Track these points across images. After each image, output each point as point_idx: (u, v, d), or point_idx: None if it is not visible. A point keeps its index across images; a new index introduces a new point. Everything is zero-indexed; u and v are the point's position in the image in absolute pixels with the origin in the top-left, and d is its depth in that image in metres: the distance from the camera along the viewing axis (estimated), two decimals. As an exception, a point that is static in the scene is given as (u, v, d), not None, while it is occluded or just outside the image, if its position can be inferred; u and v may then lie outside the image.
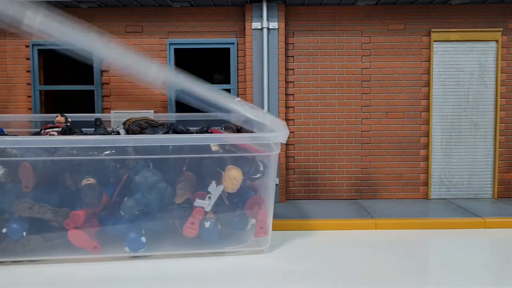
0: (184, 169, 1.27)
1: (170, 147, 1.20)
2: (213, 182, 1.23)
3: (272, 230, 1.49)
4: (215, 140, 1.21)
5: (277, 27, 1.76)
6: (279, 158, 1.79)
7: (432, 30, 1.80)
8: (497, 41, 1.81)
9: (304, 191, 1.85)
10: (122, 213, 1.21)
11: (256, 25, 1.76)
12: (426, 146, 1.84)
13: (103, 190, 1.21)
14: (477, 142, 1.84)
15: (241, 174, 1.24)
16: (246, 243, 1.28)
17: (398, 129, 1.84)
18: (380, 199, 1.85)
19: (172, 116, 1.78)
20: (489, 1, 1.78)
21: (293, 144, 1.84)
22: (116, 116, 1.78)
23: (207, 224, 1.23)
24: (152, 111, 1.81)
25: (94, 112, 1.83)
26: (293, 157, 1.84)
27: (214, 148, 1.23)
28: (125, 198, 1.21)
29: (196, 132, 1.51)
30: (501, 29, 1.80)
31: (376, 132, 1.84)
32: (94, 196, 1.19)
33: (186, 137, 1.24)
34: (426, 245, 1.38)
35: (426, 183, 1.85)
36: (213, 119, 1.67)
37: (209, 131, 1.46)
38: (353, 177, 1.85)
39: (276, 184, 1.79)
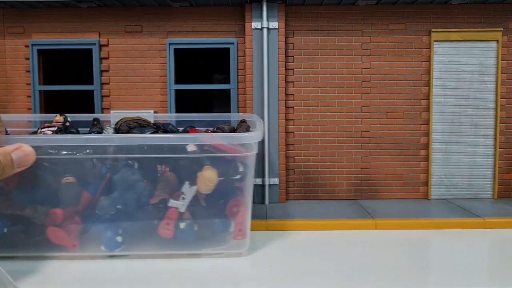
0: (166, 169, 1.25)
1: (145, 147, 1.19)
2: (186, 182, 1.21)
3: (273, 230, 1.49)
4: (190, 140, 1.19)
5: (277, 27, 1.76)
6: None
7: (433, 30, 1.80)
8: (497, 41, 1.80)
9: (304, 191, 1.85)
10: (98, 212, 1.20)
11: (256, 25, 1.76)
12: (426, 146, 1.84)
13: (85, 188, 1.20)
14: (477, 142, 1.84)
15: (216, 175, 1.20)
16: (226, 245, 1.26)
17: (398, 129, 1.84)
18: (380, 199, 1.85)
19: (172, 116, 1.78)
20: (489, 1, 1.78)
21: (293, 144, 1.83)
22: (116, 116, 1.77)
23: (182, 225, 1.21)
24: (152, 111, 1.81)
25: (94, 112, 1.83)
26: (293, 157, 1.84)
27: (190, 148, 1.20)
28: (101, 197, 1.21)
29: (181, 132, 1.49)
30: (502, 29, 1.80)
31: (376, 132, 1.84)
32: (72, 195, 1.19)
33: (159, 137, 1.21)
34: (426, 245, 1.38)
35: (426, 183, 1.85)
36: (212, 119, 1.68)
37: (187, 131, 1.44)
38: (353, 177, 1.85)
39: (276, 184, 1.79)
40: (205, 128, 1.64)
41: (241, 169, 1.22)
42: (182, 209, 1.21)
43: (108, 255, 1.23)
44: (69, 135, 1.38)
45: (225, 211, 1.24)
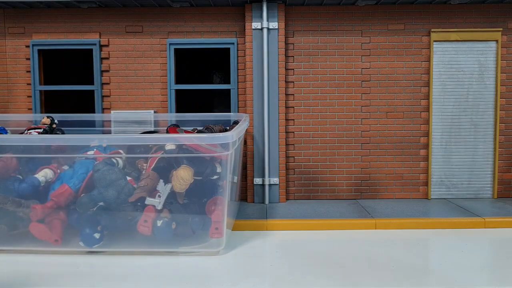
0: (149, 168, 1.28)
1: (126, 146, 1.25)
2: (161, 180, 1.25)
3: (273, 230, 1.49)
4: (166, 140, 1.22)
5: (277, 27, 1.76)
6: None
7: (432, 30, 1.80)
8: (496, 41, 1.81)
9: (304, 191, 1.85)
10: (78, 209, 1.24)
11: (256, 25, 1.76)
12: (426, 146, 1.84)
13: (67, 184, 1.25)
14: (477, 142, 1.84)
15: (190, 175, 1.23)
16: (203, 243, 1.28)
17: (398, 129, 1.84)
18: (380, 199, 1.85)
19: (171, 116, 1.78)
20: (489, 1, 1.78)
21: (293, 144, 1.84)
22: (116, 116, 1.78)
23: (159, 223, 1.24)
24: (153, 111, 1.81)
25: (94, 112, 1.83)
26: (293, 157, 1.84)
27: (168, 147, 1.23)
28: (82, 195, 1.25)
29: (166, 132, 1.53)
30: (501, 29, 1.81)
31: (376, 132, 1.84)
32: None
33: (137, 138, 1.25)
34: (426, 244, 1.39)
35: (426, 183, 1.85)
36: (211, 119, 1.68)
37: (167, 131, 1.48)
38: (353, 177, 1.85)
39: (276, 184, 1.79)
40: (192, 128, 1.65)
41: (218, 169, 1.25)
42: (159, 207, 1.24)
43: (88, 251, 1.27)
44: (53, 135, 1.44)
45: (204, 210, 1.27)
